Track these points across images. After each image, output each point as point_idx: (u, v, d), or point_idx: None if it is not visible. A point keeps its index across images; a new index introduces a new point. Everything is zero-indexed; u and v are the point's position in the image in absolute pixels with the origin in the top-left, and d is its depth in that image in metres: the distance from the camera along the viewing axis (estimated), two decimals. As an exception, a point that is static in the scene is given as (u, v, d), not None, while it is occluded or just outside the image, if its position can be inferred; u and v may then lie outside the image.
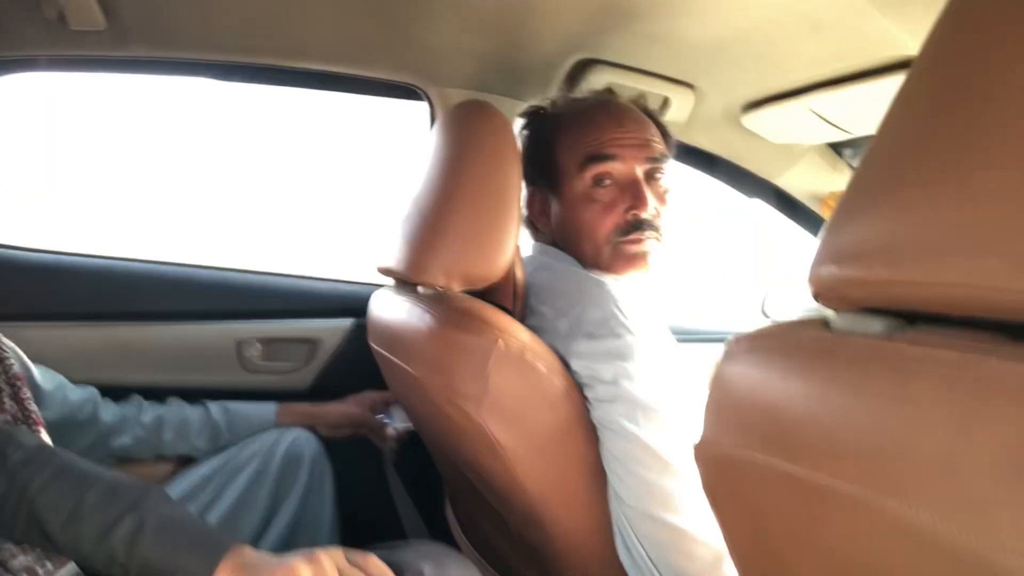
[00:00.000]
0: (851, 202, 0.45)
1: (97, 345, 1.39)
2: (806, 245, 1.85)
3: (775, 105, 1.37)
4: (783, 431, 0.44)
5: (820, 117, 1.35)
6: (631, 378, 0.89)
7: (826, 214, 1.71)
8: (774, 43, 1.18)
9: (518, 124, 1.18)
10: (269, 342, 1.48)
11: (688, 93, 1.38)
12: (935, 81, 0.42)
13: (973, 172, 0.36)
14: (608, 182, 1.06)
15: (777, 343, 0.48)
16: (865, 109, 1.30)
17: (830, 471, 0.39)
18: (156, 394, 1.31)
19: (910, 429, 0.35)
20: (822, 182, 1.70)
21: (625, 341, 0.91)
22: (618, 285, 1.02)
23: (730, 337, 0.53)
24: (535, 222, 1.16)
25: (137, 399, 1.28)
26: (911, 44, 1.04)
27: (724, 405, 0.51)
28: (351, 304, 1.55)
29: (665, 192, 1.09)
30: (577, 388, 0.92)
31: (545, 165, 1.11)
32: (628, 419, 0.87)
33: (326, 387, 1.48)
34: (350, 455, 1.36)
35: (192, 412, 1.28)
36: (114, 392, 1.28)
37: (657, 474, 0.85)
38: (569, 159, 1.08)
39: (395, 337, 1.05)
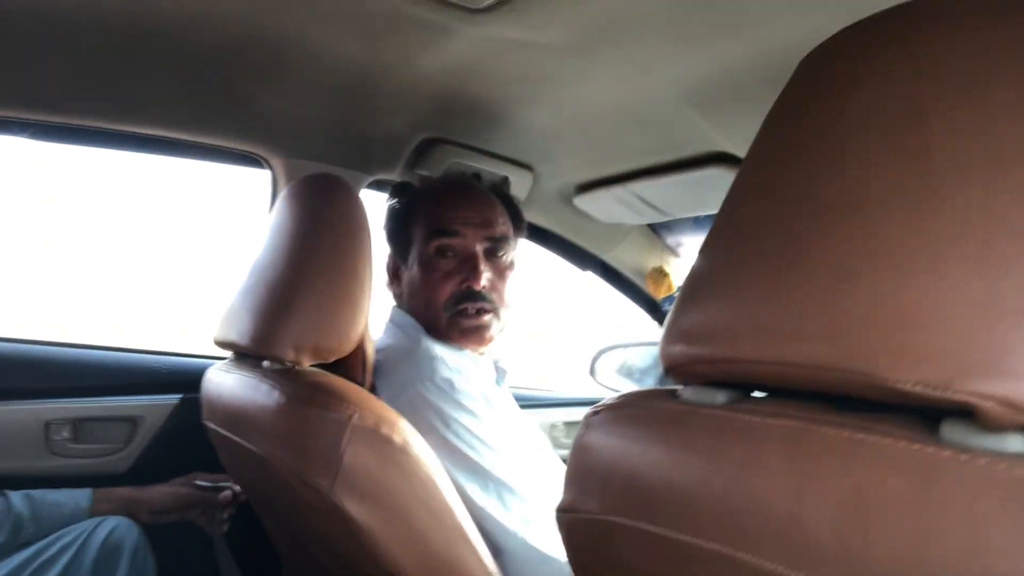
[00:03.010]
0: (694, 287, 0.51)
1: None
2: (630, 312, 2.00)
3: (604, 189, 1.50)
4: (646, 496, 0.48)
5: (643, 201, 1.49)
6: (461, 438, 0.98)
7: (649, 287, 1.86)
8: (605, 134, 1.29)
9: (381, 196, 1.25)
10: (82, 422, 1.34)
11: (527, 174, 1.46)
12: (761, 182, 0.49)
13: (798, 266, 0.42)
14: (450, 254, 1.14)
15: (634, 413, 0.53)
16: (682, 196, 1.45)
17: (691, 531, 0.44)
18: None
19: (760, 490, 0.40)
20: (644, 258, 1.87)
21: (450, 409, 1.00)
22: (450, 351, 1.09)
23: (590, 409, 0.57)
24: (391, 285, 1.24)
25: None
26: (723, 142, 1.19)
27: (586, 473, 0.55)
28: (178, 379, 1.45)
29: (506, 269, 1.17)
30: (428, 451, 0.93)
31: (400, 234, 1.20)
32: (472, 480, 0.94)
33: (148, 470, 1.36)
34: (176, 544, 1.25)
35: None
36: None
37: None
38: (419, 230, 1.16)
39: (237, 414, 1.01)
